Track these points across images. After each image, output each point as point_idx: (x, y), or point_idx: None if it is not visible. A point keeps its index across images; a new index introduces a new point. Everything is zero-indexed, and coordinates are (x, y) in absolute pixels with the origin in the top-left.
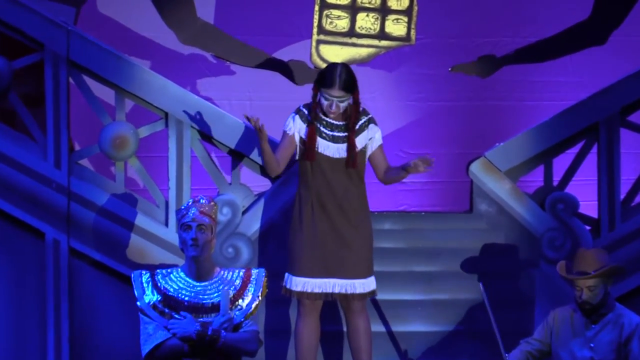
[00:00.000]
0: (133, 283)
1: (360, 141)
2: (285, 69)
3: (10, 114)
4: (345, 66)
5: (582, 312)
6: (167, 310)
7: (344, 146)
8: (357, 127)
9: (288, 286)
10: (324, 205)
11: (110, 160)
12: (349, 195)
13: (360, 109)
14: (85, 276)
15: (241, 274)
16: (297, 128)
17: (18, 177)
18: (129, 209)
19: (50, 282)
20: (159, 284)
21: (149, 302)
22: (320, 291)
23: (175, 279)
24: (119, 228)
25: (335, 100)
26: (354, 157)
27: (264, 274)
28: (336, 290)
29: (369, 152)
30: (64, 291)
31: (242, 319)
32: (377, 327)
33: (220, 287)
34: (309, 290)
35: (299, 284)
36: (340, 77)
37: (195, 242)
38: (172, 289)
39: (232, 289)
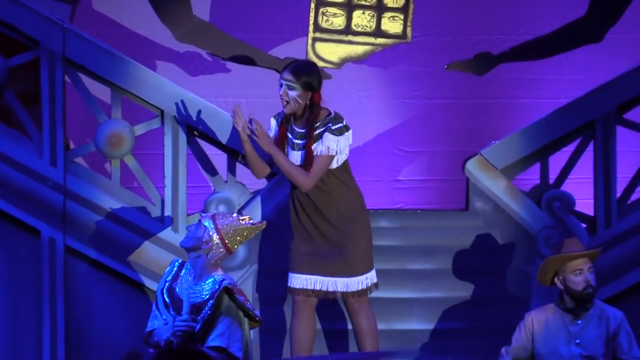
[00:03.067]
0: (167, 268)
1: (316, 149)
2: (281, 66)
3: (6, 111)
4: (310, 62)
5: (584, 300)
6: (168, 301)
7: (301, 154)
8: (314, 133)
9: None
10: (303, 206)
11: (106, 158)
12: (325, 198)
13: (330, 115)
14: (81, 274)
15: (219, 280)
16: (273, 131)
17: (14, 175)
18: (125, 206)
19: (46, 280)
20: (180, 274)
21: (162, 289)
22: (300, 287)
23: (189, 273)
24: (115, 226)
25: (284, 84)
26: (308, 163)
27: (224, 284)
28: (317, 287)
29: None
30: (59, 289)
31: (200, 325)
32: None
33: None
34: (290, 285)
35: (288, 278)
36: (295, 63)
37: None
38: (178, 281)
39: (204, 294)
